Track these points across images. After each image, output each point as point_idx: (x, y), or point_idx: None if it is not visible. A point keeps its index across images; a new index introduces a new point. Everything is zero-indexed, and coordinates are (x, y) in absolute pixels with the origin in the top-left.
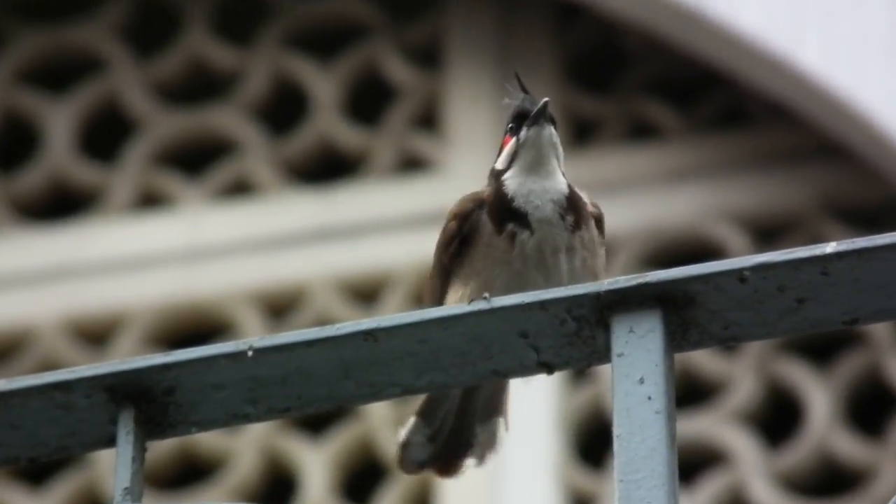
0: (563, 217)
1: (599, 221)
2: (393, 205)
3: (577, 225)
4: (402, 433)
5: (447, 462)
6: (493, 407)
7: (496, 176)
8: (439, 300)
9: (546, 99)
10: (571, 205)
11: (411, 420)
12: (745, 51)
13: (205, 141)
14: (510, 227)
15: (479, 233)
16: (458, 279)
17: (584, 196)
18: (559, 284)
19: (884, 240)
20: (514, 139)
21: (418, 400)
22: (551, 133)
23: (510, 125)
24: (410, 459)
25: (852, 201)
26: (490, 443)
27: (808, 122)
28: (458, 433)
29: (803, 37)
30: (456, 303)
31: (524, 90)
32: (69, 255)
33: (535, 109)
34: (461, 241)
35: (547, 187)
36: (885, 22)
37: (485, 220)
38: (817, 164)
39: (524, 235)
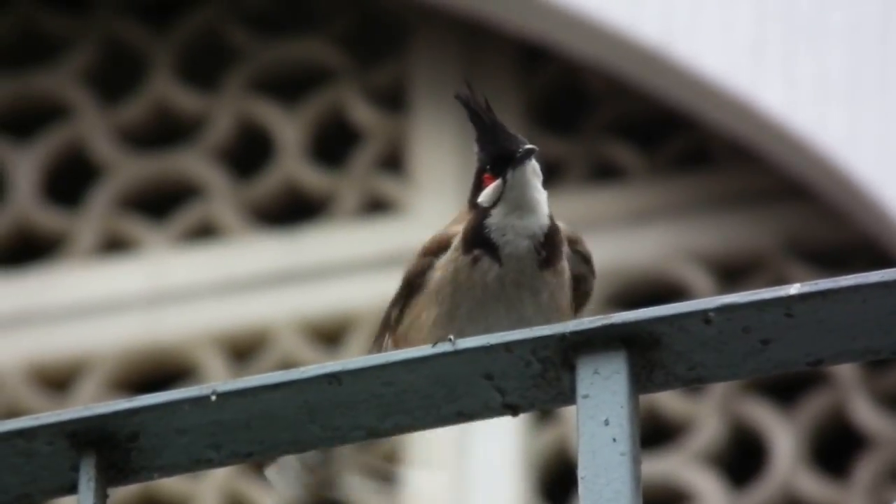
0: (537, 252)
1: (588, 259)
2: (358, 247)
3: (550, 262)
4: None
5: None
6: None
7: (479, 210)
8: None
9: (534, 147)
10: (549, 241)
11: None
12: (707, 93)
13: (169, 185)
14: (476, 252)
15: (448, 255)
16: (420, 305)
17: (570, 233)
18: (521, 318)
19: (847, 281)
20: (500, 180)
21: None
22: (536, 170)
23: (490, 166)
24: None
25: (815, 242)
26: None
27: (770, 163)
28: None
29: (765, 78)
30: (419, 327)
31: (471, 101)
32: (33, 300)
33: (523, 150)
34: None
35: (528, 224)
36: (845, 63)
37: (457, 243)
38: (780, 204)
39: (486, 264)
